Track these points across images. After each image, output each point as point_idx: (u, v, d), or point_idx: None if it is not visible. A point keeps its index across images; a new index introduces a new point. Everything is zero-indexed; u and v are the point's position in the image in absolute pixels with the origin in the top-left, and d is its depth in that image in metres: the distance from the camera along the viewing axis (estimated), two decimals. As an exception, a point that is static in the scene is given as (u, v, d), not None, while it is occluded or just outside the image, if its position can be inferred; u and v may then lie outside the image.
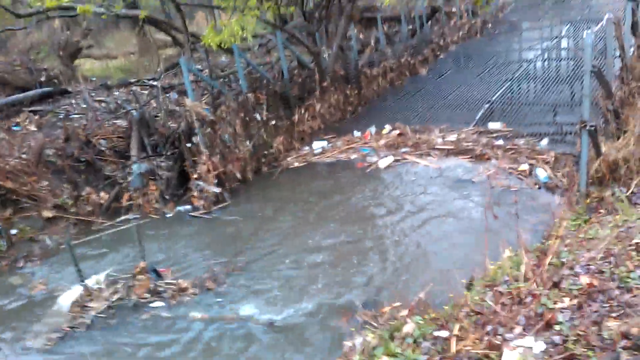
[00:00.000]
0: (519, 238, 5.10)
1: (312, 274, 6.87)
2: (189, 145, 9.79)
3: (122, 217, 9.42)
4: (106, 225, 9.09)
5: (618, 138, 6.88)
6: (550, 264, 4.44)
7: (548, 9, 22.13)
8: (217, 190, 9.64)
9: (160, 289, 6.74)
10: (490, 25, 21.80)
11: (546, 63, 15.02)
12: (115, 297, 6.62)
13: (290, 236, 8.05)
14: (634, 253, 4.09)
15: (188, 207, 9.58)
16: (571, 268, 4.21)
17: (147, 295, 6.65)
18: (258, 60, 14.04)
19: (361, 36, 17.94)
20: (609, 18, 6.81)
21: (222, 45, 9.19)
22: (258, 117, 10.98)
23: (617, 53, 7.77)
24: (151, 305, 6.51)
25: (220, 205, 9.52)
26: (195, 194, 9.59)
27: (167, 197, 9.77)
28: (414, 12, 18.09)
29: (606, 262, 4.17)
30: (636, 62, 7.34)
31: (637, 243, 4.21)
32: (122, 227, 8.62)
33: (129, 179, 9.75)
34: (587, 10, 20.41)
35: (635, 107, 6.59)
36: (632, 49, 8.10)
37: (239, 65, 10.61)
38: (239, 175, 10.37)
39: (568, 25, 17.38)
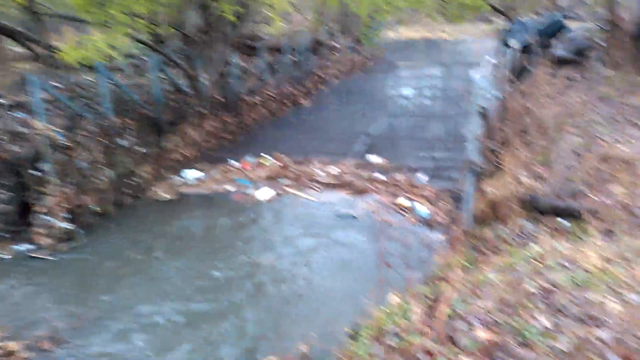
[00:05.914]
0: (407, 282, 4.64)
1: (177, 328, 5.90)
2: (34, 173, 8.31)
3: None
4: None
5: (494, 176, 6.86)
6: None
7: (422, 51, 23.38)
8: (69, 226, 8.28)
9: (-23, 354, 5.37)
10: (370, 62, 22.44)
11: (421, 100, 15.53)
12: None
13: (153, 281, 6.99)
14: (527, 302, 3.77)
15: (30, 246, 8.07)
16: (466, 320, 3.79)
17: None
18: (129, 82, 12.70)
19: (243, 64, 17.32)
20: (489, 60, 6.89)
21: (85, 62, 7.95)
22: (123, 142, 9.76)
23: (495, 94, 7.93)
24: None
25: (70, 245, 8.15)
26: (40, 230, 8.14)
27: (0, 234, 8.17)
28: (297, 44, 17.91)
29: (502, 312, 3.81)
30: (512, 103, 7.53)
31: (529, 290, 3.91)
32: None
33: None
34: (457, 55, 21.83)
35: (512, 147, 6.63)
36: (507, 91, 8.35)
37: (104, 86, 9.35)
38: (97, 209, 9.06)
39: (441, 67, 18.30)
